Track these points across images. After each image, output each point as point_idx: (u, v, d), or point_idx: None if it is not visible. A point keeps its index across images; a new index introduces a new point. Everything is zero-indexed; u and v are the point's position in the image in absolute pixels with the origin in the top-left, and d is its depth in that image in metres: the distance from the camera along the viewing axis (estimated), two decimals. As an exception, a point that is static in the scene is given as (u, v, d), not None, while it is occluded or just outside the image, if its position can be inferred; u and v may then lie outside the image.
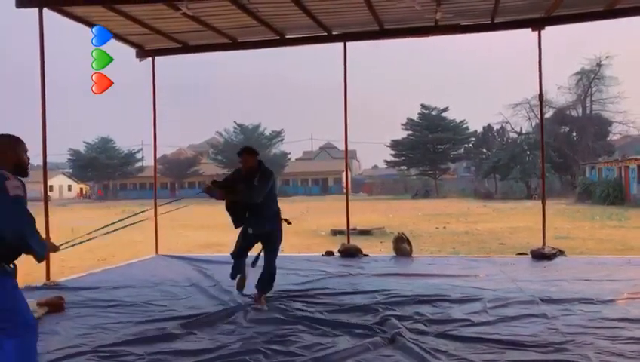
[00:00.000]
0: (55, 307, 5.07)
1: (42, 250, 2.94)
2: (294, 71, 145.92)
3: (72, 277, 7.10)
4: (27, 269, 9.53)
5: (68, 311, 5.08)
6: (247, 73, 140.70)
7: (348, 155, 9.84)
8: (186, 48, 8.78)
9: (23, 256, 2.88)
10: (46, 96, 6.77)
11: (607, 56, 41.83)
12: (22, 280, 7.35)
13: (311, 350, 3.81)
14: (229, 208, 5.27)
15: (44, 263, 6.78)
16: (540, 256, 7.72)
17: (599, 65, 42.13)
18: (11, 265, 2.88)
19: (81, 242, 4.58)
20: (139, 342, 4.07)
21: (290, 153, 63.48)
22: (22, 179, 2.94)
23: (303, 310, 4.94)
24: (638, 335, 3.98)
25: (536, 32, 7.86)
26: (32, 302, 4.87)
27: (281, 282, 6.27)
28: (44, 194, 7.20)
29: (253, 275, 5.44)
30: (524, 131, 45.97)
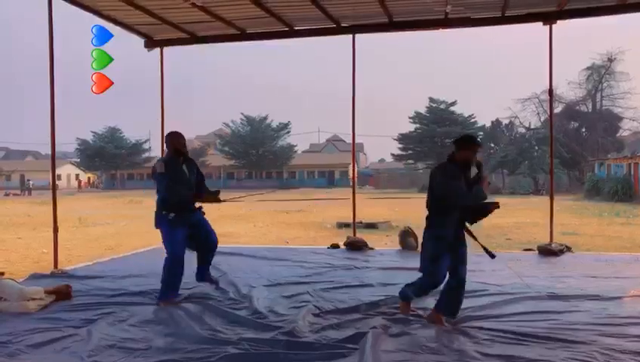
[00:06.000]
0: (63, 295, 5.10)
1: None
2: (299, 70, 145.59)
3: (79, 266, 7.16)
4: (36, 258, 9.66)
5: (75, 300, 5.11)
6: (252, 72, 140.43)
7: (355, 148, 9.80)
8: (194, 39, 8.75)
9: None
10: (55, 86, 6.78)
11: (618, 52, 41.44)
12: (29, 269, 7.44)
13: (316, 343, 3.81)
14: None
15: (52, 252, 6.86)
16: (546, 252, 7.68)
17: (610, 60, 41.71)
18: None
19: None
20: (145, 331, 4.10)
21: (297, 145, 63.47)
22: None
23: (307, 302, 4.95)
24: (644, 333, 3.95)
25: (548, 26, 7.77)
26: (39, 289, 4.94)
27: (286, 274, 6.30)
28: (51, 183, 7.24)
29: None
30: (532, 126, 45.64)
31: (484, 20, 8.10)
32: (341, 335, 3.95)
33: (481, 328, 4.10)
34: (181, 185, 5.08)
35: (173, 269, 5.03)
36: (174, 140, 5.17)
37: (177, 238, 5.04)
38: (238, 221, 16.72)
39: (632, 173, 28.59)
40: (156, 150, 64.68)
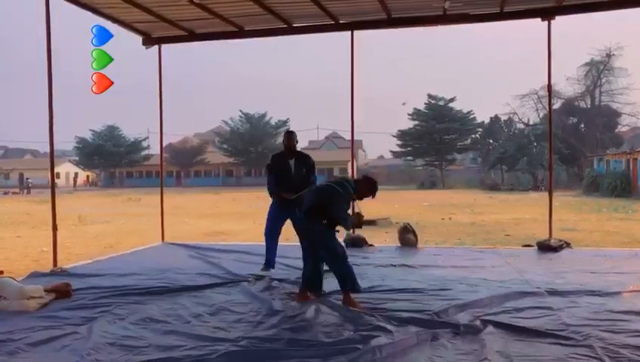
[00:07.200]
0: (62, 293, 5.10)
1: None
2: (298, 67, 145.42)
3: (79, 264, 7.16)
4: (35, 256, 9.67)
5: (75, 298, 5.11)
6: (251, 69, 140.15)
7: (354, 145, 9.79)
8: (192, 36, 8.73)
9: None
10: (53, 84, 6.75)
11: (617, 47, 41.46)
12: (29, 267, 7.45)
13: (315, 341, 3.82)
14: None
15: (51, 250, 6.86)
16: (546, 247, 7.69)
17: (609, 56, 41.73)
18: None
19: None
20: (145, 329, 4.10)
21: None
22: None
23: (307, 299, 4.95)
24: (643, 328, 3.96)
25: (547, 22, 7.76)
26: (39, 288, 4.94)
27: (286, 271, 6.30)
28: (51, 182, 7.23)
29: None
30: (531, 122, 45.69)
31: (483, 16, 8.08)
32: (341, 333, 3.95)
33: (480, 324, 4.10)
34: (280, 178, 5.95)
35: (266, 241, 6.10)
36: (285, 139, 6.10)
37: (271, 216, 6.07)
38: (238, 218, 16.73)
39: (631, 168, 28.62)
40: (155, 148, 64.84)
